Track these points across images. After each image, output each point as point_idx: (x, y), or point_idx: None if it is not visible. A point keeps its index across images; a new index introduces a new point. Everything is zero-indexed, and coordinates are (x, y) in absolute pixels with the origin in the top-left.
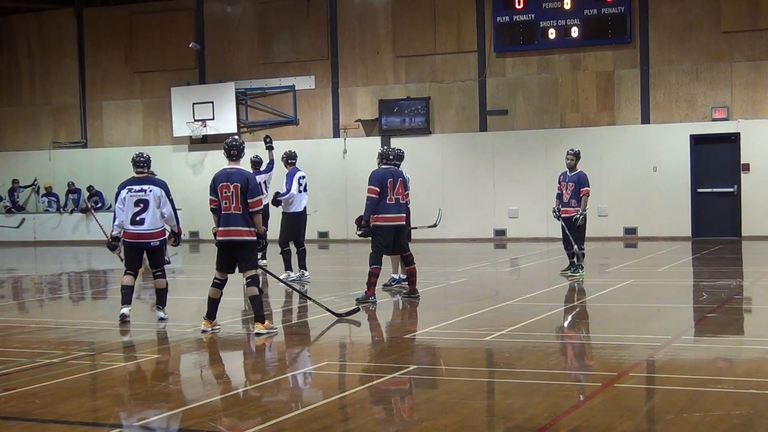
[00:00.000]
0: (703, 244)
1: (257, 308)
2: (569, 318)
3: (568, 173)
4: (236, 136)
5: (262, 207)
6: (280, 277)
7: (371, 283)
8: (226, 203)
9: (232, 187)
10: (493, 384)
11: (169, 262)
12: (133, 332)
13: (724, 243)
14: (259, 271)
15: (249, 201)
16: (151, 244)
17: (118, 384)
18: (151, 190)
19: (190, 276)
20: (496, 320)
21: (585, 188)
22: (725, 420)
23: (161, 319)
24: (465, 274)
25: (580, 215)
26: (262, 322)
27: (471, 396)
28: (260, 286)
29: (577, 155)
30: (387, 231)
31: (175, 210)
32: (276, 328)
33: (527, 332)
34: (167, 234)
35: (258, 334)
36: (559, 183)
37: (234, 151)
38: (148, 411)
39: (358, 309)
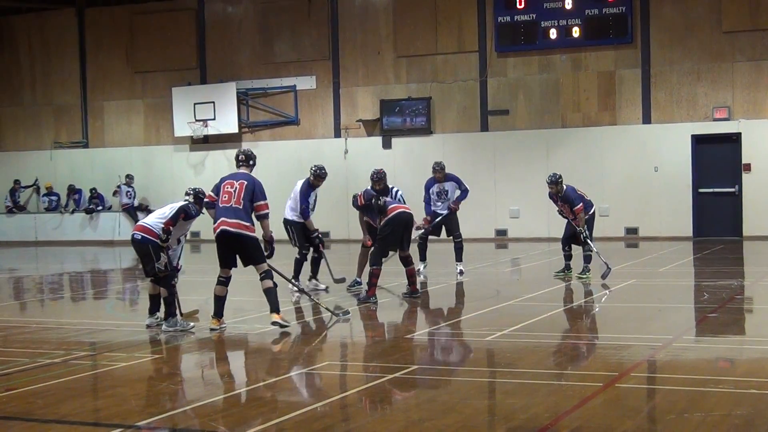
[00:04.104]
0: (705, 244)
1: (272, 300)
2: (570, 318)
3: (556, 197)
4: (249, 149)
5: (268, 211)
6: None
7: (372, 284)
8: (226, 197)
9: (237, 183)
10: (495, 384)
11: (157, 270)
12: (135, 332)
13: (726, 243)
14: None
15: (255, 204)
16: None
17: (120, 384)
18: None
19: (190, 276)
20: (497, 320)
21: (577, 206)
22: (726, 420)
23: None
24: (466, 274)
25: (583, 234)
26: (278, 313)
27: (472, 396)
28: (274, 279)
29: (555, 182)
30: (398, 222)
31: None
32: (289, 322)
33: (528, 332)
34: (161, 237)
35: (274, 323)
36: (555, 204)
37: (242, 157)
38: (149, 411)
39: (348, 312)
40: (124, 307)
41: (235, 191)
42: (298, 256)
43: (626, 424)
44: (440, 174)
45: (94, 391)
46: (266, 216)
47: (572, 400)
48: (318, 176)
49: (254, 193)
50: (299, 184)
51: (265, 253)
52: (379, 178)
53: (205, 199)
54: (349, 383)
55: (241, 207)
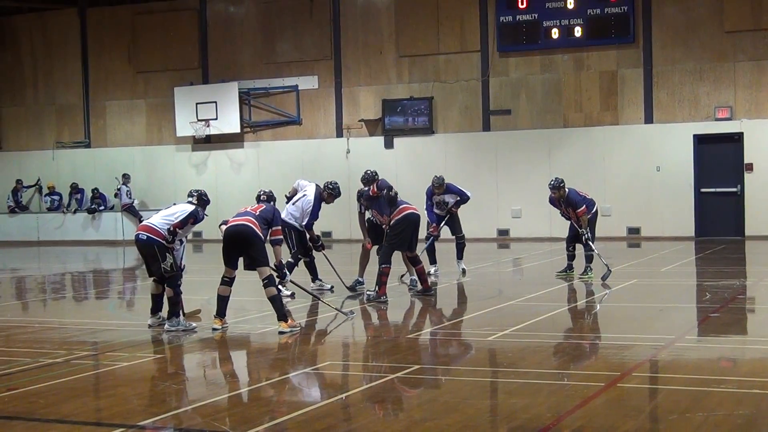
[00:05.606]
0: (707, 243)
1: (278, 308)
2: (572, 318)
3: (559, 202)
4: (270, 190)
5: (281, 237)
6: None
7: (382, 282)
8: (241, 209)
9: (256, 205)
10: (497, 384)
11: (163, 270)
12: (137, 332)
13: (728, 243)
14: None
15: (272, 229)
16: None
17: (122, 384)
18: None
19: (193, 276)
20: (499, 320)
21: (580, 209)
22: (728, 420)
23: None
24: (468, 274)
25: (584, 235)
26: (285, 321)
27: (474, 396)
28: (278, 285)
29: (558, 187)
30: (407, 223)
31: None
32: (298, 326)
33: (530, 332)
34: (167, 238)
35: (281, 333)
36: (558, 208)
37: (263, 197)
38: (151, 411)
39: (353, 312)
40: (126, 306)
41: (251, 208)
42: (291, 260)
43: (628, 424)
44: (439, 189)
45: (96, 390)
46: (281, 242)
47: (574, 399)
48: (332, 195)
49: (274, 218)
50: (309, 190)
51: (275, 275)
52: (367, 179)
53: (221, 222)
54: (350, 383)
55: (256, 214)
